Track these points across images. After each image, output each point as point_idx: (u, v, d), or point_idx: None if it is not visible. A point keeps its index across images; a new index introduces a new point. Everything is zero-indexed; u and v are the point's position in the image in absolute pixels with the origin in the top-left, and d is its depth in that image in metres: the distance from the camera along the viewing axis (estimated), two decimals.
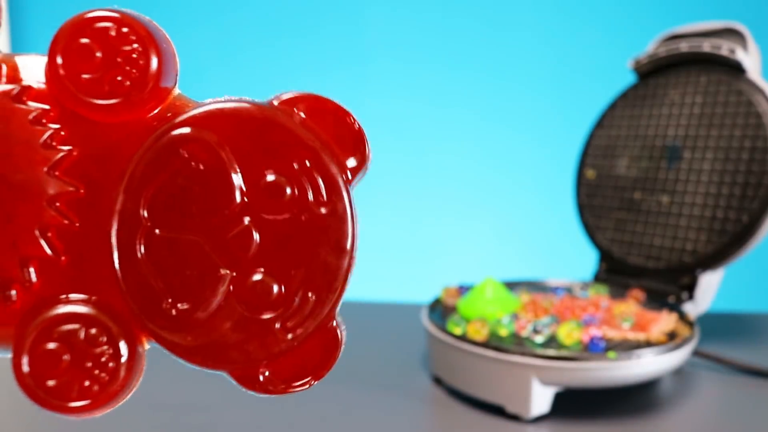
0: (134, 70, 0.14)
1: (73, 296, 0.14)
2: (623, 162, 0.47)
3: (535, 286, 0.44)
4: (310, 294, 0.14)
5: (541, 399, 0.31)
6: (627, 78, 0.49)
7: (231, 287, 0.14)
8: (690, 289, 0.41)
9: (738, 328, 0.48)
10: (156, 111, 0.15)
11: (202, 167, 0.14)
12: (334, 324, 0.15)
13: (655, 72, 0.47)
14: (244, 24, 0.78)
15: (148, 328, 0.14)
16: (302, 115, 0.15)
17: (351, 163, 0.15)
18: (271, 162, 0.14)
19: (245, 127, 0.14)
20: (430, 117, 0.77)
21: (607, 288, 0.43)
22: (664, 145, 0.45)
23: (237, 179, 0.14)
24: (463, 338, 0.33)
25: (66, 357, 0.14)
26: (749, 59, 0.42)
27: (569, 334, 0.32)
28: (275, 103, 0.15)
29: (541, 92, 0.79)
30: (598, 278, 0.46)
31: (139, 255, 0.14)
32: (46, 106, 0.14)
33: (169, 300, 0.14)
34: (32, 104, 0.14)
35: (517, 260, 0.79)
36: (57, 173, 0.14)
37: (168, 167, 0.14)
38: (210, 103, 0.15)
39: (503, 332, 0.34)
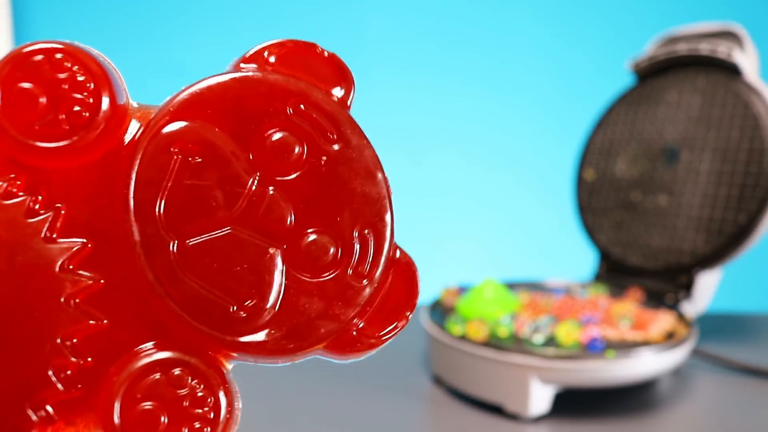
0: (87, 98, 0.13)
1: (142, 347, 0.13)
2: (622, 162, 0.47)
3: (534, 287, 0.44)
4: (366, 231, 0.14)
5: (540, 398, 0.31)
6: (626, 79, 0.49)
7: (286, 261, 0.13)
8: (688, 288, 0.41)
9: (737, 329, 0.48)
10: (126, 132, 0.13)
11: (199, 159, 0.13)
12: (399, 253, 0.14)
13: (654, 73, 0.47)
14: (238, 12, 0.78)
15: (226, 343, 0.13)
16: (272, 61, 0.14)
17: (338, 92, 0.14)
18: (266, 122, 0.13)
19: (223, 100, 0.13)
20: (429, 117, 0.77)
21: (606, 288, 0.43)
22: (664, 147, 0.45)
23: (239, 155, 0.13)
24: (462, 338, 0.34)
25: (164, 418, 0.13)
26: (747, 61, 0.42)
27: (568, 333, 0.33)
28: (242, 65, 0.14)
29: (541, 92, 0.80)
30: (598, 278, 0.46)
31: (181, 274, 0.13)
32: (11, 175, 0.13)
33: (233, 304, 0.13)
34: None
35: (517, 260, 0.79)
36: (54, 236, 0.13)
37: (166, 174, 0.13)
38: (176, 95, 0.13)
39: (503, 332, 0.34)
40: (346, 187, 0.14)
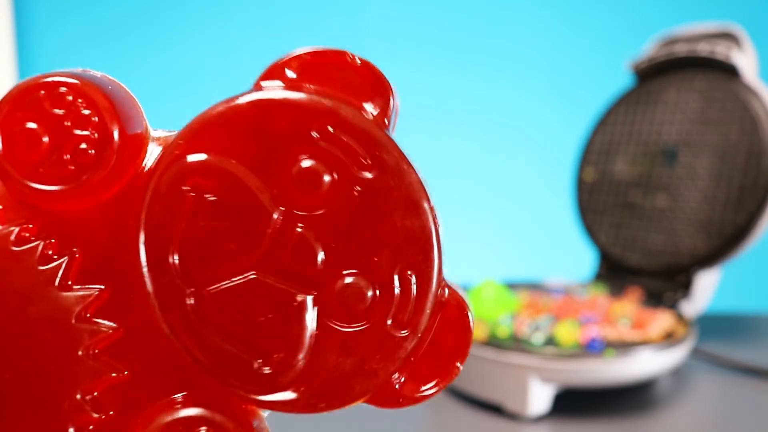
0: (92, 134, 0.12)
1: (167, 400, 0.12)
2: (622, 163, 0.47)
3: (534, 287, 0.44)
4: (408, 272, 0.12)
5: (539, 398, 0.32)
6: (625, 79, 0.49)
7: (317, 309, 0.12)
8: (687, 287, 0.41)
9: (737, 329, 0.48)
10: (143, 163, 0.12)
11: (214, 197, 0.11)
12: (447, 292, 0.12)
13: (653, 74, 0.47)
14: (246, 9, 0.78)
15: (251, 400, 0.12)
16: (294, 76, 0.12)
17: (373, 108, 0.12)
18: (289, 150, 0.12)
19: (239, 127, 0.12)
20: (427, 118, 0.77)
21: (606, 287, 0.43)
22: (663, 147, 0.45)
23: (260, 189, 0.12)
24: None
25: None
26: (745, 62, 0.42)
27: (567, 333, 0.33)
28: (262, 84, 0.12)
29: (540, 92, 0.80)
30: (597, 278, 0.46)
31: (200, 326, 0.12)
32: (23, 219, 0.12)
33: (258, 359, 0.12)
34: (4, 227, 0.12)
35: (517, 260, 0.80)
36: (70, 283, 0.12)
37: (179, 216, 0.12)
38: (187, 125, 0.12)
39: (502, 332, 0.34)
40: (385, 222, 0.12)
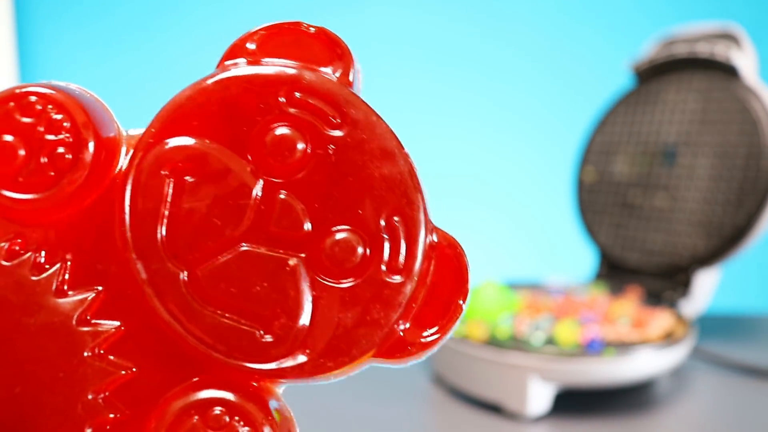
0: (67, 138, 0.12)
1: (180, 387, 0.12)
2: (621, 163, 0.47)
3: (534, 286, 0.44)
4: (394, 218, 0.12)
5: (539, 398, 0.32)
6: (625, 80, 0.49)
7: (311, 270, 0.12)
8: (686, 287, 0.42)
9: (737, 329, 0.48)
10: (120, 164, 0.12)
11: (194, 178, 0.12)
12: (435, 236, 0.12)
13: (653, 75, 0.47)
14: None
15: (262, 372, 0.12)
16: (254, 48, 0.12)
17: (334, 71, 0.12)
18: (260, 120, 0.12)
19: (207, 107, 0.12)
20: (426, 119, 0.77)
21: (606, 287, 0.43)
22: (662, 148, 0.45)
23: (238, 163, 0.12)
24: (462, 338, 0.34)
25: None
26: (745, 63, 0.42)
27: (567, 333, 0.33)
28: (226, 63, 0.13)
29: (539, 92, 0.80)
30: (597, 277, 0.46)
31: (198, 306, 0.12)
32: (11, 234, 0.12)
33: (260, 329, 0.12)
34: None
35: (517, 260, 0.80)
36: (66, 288, 0.12)
37: (161, 201, 0.12)
38: (157, 113, 0.12)
39: (502, 332, 0.34)
40: (363, 174, 0.12)
